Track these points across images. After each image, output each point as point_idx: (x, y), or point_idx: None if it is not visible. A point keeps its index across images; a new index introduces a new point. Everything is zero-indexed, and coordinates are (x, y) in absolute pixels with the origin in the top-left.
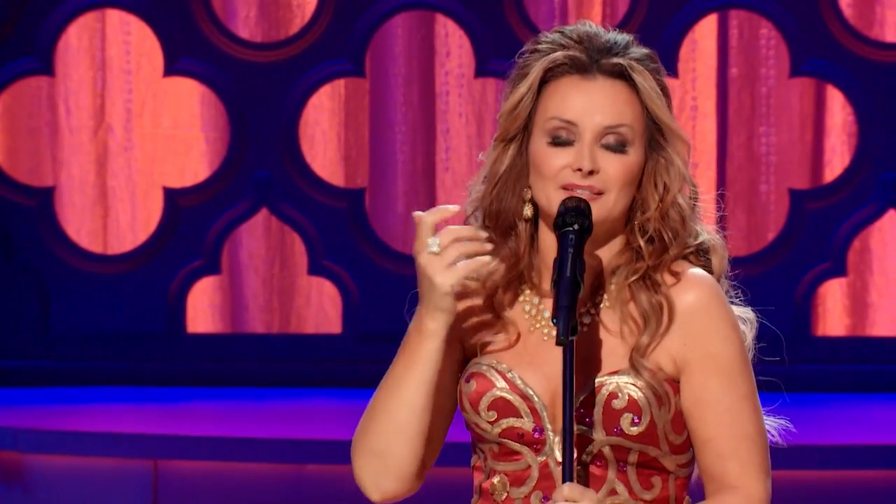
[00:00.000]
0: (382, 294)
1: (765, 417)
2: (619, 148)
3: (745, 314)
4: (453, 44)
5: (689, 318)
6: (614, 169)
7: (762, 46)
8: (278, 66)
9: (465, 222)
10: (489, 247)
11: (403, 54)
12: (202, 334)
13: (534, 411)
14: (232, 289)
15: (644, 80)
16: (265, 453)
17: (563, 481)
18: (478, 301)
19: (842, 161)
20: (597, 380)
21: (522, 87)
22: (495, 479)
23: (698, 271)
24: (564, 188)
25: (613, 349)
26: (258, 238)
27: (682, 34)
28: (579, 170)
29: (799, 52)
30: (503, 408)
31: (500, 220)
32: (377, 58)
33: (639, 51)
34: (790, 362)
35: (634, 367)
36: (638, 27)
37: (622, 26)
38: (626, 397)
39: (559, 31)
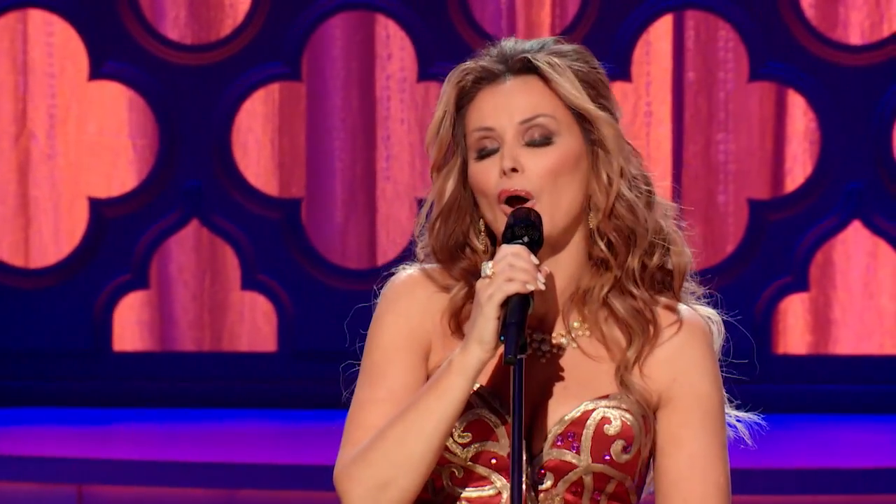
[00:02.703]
0: (320, 310)
1: (735, 412)
2: (544, 141)
3: (712, 316)
4: (395, 46)
5: (682, 355)
6: (541, 165)
7: (720, 49)
8: (209, 69)
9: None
10: (546, 270)
11: (342, 57)
12: (129, 352)
13: (510, 435)
14: (161, 304)
15: (552, 68)
16: (196, 478)
17: None
18: (444, 320)
19: (804, 170)
20: (587, 404)
21: (439, 111)
22: None
23: (692, 313)
24: (500, 199)
25: (598, 374)
26: (188, 251)
27: (636, 36)
28: (504, 173)
29: (758, 54)
30: (480, 430)
31: (449, 246)
32: (314, 60)
33: (560, 47)
34: (749, 381)
35: (624, 385)
36: (589, 28)
37: (572, 27)
38: (620, 423)
39: (480, 53)
